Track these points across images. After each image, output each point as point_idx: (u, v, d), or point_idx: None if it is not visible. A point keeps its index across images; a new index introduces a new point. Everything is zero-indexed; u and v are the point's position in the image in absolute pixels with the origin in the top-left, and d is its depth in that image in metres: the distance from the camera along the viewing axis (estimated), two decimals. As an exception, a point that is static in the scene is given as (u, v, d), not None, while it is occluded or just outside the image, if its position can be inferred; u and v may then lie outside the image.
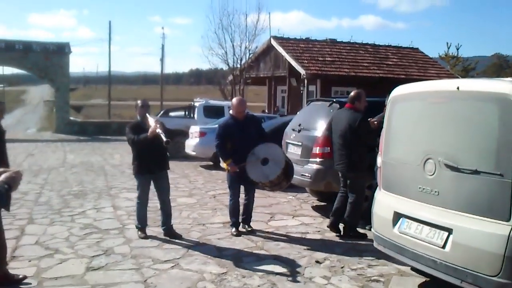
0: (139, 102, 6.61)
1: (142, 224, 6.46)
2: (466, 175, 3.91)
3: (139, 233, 6.40)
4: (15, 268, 5.08)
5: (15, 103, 71.57)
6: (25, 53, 27.44)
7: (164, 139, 5.96)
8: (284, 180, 6.38)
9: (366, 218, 6.06)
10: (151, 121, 6.25)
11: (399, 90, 4.98)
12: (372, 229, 5.05)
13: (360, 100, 6.50)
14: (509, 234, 3.51)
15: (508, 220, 3.56)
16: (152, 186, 6.54)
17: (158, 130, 6.00)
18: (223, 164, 6.59)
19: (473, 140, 3.95)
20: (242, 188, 6.74)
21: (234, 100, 6.75)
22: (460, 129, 4.10)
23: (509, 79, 3.98)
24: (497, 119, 3.75)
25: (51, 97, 36.82)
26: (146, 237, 6.31)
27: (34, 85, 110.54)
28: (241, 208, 6.74)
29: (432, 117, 4.42)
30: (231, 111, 6.75)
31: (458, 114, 4.14)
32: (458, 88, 4.13)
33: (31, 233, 6.45)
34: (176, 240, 6.21)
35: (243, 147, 6.34)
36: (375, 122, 6.30)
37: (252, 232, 6.63)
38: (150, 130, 6.06)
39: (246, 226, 6.74)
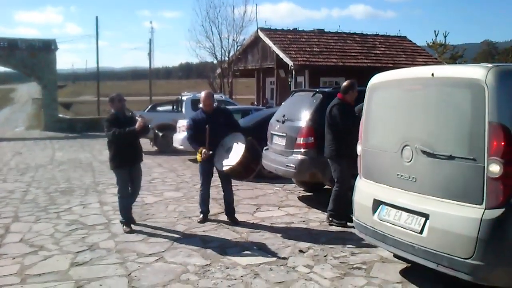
0: (114, 96, 6.69)
1: (126, 218, 6.49)
2: (441, 160, 3.96)
3: (124, 227, 6.42)
4: (-2, 266, 5.08)
5: (3, 102, 71.08)
6: (11, 51, 27.13)
7: (160, 134, 6.42)
8: (250, 165, 6.42)
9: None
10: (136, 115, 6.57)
11: (377, 78, 5.02)
12: (353, 217, 5.09)
13: (353, 90, 6.59)
14: (482, 217, 3.58)
15: (480, 204, 3.62)
16: None
17: (149, 125, 6.45)
18: (197, 157, 6.67)
19: (448, 126, 3.99)
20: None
21: (202, 93, 6.91)
22: (435, 115, 4.14)
23: (483, 64, 4.01)
24: (470, 105, 3.80)
25: (39, 95, 36.55)
26: (132, 231, 6.33)
27: (22, 83, 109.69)
28: (222, 203, 6.98)
29: (409, 104, 4.46)
30: (200, 105, 6.91)
31: (433, 100, 4.18)
32: (432, 74, 4.17)
33: (16, 231, 6.43)
34: (162, 234, 6.23)
35: (212, 139, 6.46)
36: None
37: (237, 224, 6.67)
38: (138, 123, 6.29)
39: (230, 220, 6.80)
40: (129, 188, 6.63)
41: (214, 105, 6.89)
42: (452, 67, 4.51)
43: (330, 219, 6.58)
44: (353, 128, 6.00)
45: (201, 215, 6.84)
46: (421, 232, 4.02)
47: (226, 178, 6.74)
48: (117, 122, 6.38)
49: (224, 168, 6.40)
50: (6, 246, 5.80)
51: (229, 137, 6.57)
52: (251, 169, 6.51)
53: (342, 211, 6.48)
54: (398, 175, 4.40)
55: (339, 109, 6.49)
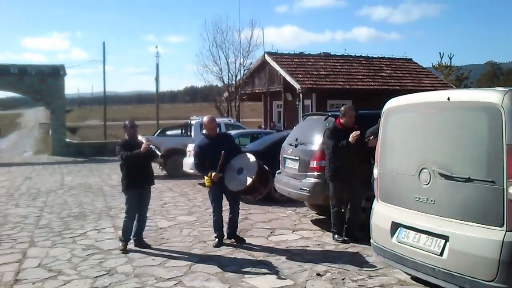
0: (127, 122, 7.01)
1: (126, 237, 6.74)
2: (459, 183, 4.01)
3: (121, 245, 6.69)
4: (19, 291, 5.13)
5: (10, 127, 71.63)
6: (21, 77, 27.54)
7: (158, 152, 6.79)
8: (261, 185, 6.66)
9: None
10: (142, 138, 6.88)
11: (392, 103, 5.10)
12: (371, 240, 5.12)
13: (344, 115, 6.98)
14: (503, 239, 3.61)
15: (501, 226, 3.66)
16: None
17: (152, 146, 6.62)
18: (206, 182, 6.78)
19: (465, 148, 4.06)
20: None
21: (205, 118, 7.10)
22: (452, 139, 4.21)
23: (498, 88, 4.09)
24: (486, 128, 3.87)
25: (46, 120, 36.91)
26: (127, 251, 6.56)
27: (29, 108, 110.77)
28: (227, 222, 7.04)
29: (425, 128, 4.54)
30: (204, 131, 7.11)
31: (450, 124, 4.26)
32: (448, 98, 4.26)
33: (33, 256, 6.49)
34: (179, 258, 6.27)
35: (216, 163, 6.59)
36: (371, 138, 6.71)
37: (243, 242, 6.87)
38: (143, 145, 6.56)
39: (232, 239, 6.95)
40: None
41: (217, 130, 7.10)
42: (467, 91, 4.59)
43: (334, 236, 7.00)
44: (345, 151, 6.73)
45: (217, 240, 6.89)
46: (441, 254, 4.05)
47: (236, 200, 6.91)
48: (128, 147, 6.71)
49: (238, 188, 6.56)
50: (25, 271, 5.85)
51: (236, 159, 6.74)
52: (263, 188, 6.73)
53: (341, 228, 6.94)
54: (416, 197, 4.45)
55: (328, 133, 7.02)
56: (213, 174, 6.58)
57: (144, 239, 6.90)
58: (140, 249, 6.65)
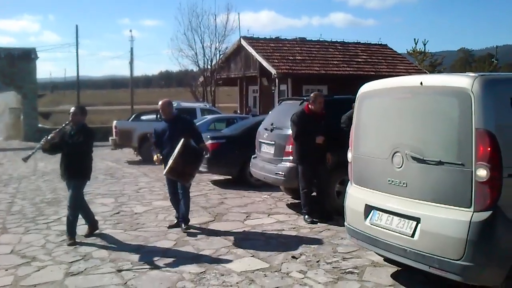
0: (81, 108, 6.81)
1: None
2: (431, 166, 4.11)
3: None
4: (-8, 277, 5.07)
5: (-20, 112, 69.84)
6: (-11, 60, 26.87)
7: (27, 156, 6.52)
8: (186, 166, 6.43)
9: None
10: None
11: (366, 87, 5.16)
12: (345, 223, 5.21)
13: (315, 102, 7.17)
14: (471, 220, 3.74)
15: (469, 207, 3.79)
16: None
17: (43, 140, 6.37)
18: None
19: (437, 132, 4.15)
20: None
21: (160, 102, 7.06)
22: (424, 123, 4.29)
23: (469, 73, 4.18)
24: (457, 112, 3.96)
25: (17, 104, 36.12)
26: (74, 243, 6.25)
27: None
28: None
29: (398, 112, 4.61)
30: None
31: (422, 108, 4.34)
32: (421, 83, 4.33)
33: (5, 243, 6.39)
34: (155, 242, 6.28)
35: (169, 146, 6.69)
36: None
37: (187, 229, 6.80)
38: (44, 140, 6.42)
39: (182, 225, 6.92)
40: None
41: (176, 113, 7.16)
42: (440, 76, 4.68)
43: (304, 217, 7.24)
44: (307, 135, 7.02)
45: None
46: (412, 235, 4.15)
47: (181, 186, 6.84)
48: (63, 133, 6.48)
49: (163, 173, 6.60)
50: (-3, 257, 5.78)
51: (177, 144, 6.60)
52: (187, 173, 6.52)
53: (310, 209, 7.18)
54: (389, 180, 4.54)
55: (295, 118, 7.24)
56: (156, 156, 6.81)
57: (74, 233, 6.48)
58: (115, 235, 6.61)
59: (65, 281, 4.95)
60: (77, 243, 6.23)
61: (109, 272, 5.20)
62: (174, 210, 7.28)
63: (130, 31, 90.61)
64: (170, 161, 6.39)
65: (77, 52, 36.23)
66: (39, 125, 29.40)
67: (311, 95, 7.34)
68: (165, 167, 6.55)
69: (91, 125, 27.82)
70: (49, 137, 6.36)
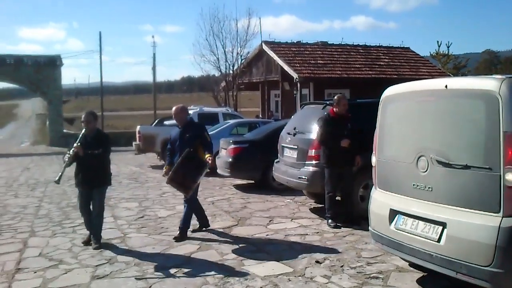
0: (92, 113, 6.66)
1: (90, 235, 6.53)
2: (457, 170, 4.05)
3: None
4: (21, 280, 5.19)
5: (7, 117, 71.44)
6: (17, 67, 27.54)
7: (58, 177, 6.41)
8: (186, 179, 6.32)
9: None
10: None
11: (390, 91, 5.12)
12: (369, 227, 5.17)
13: (338, 104, 7.19)
14: (500, 225, 3.67)
15: (498, 212, 3.71)
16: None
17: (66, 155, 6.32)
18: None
19: (463, 136, 4.09)
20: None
21: (173, 108, 6.98)
22: (450, 126, 4.24)
23: (495, 76, 4.12)
24: (484, 115, 3.90)
25: (43, 110, 36.91)
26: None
27: (25, 99, 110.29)
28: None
29: (423, 116, 4.56)
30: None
31: (448, 111, 4.29)
32: (446, 86, 4.28)
33: (34, 246, 6.52)
34: (178, 246, 6.32)
35: (178, 154, 6.62)
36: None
37: (176, 240, 6.60)
38: (73, 150, 6.25)
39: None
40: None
41: (189, 118, 7.05)
42: (465, 79, 4.63)
43: (328, 221, 7.21)
44: (333, 139, 7.01)
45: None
46: (438, 240, 4.10)
47: (187, 196, 6.76)
48: (84, 140, 6.31)
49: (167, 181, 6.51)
50: (26, 260, 5.89)
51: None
52: (185, 185, 6.40)
53: (335, 213, 7.14)
54: (414, 185, 4.49)
55: (321, 122, 7.25)
56: (165, 170, 6.75)
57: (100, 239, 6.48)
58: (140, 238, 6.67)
59: (91, 284, 5.02)
60: (102, 247, 6.30)
61: (133, 275, 5.25)
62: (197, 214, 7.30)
63: (153, 37, 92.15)
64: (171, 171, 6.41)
65: (100, 59, 36.76)
66: (64, 131, 29.91)
67: (335, 97, 7.34)
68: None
69: (114, 131, 28.20)
70: (71, 153, 6.22)
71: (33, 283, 5.07)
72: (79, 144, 6.22)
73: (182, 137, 6.75)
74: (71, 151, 6.26)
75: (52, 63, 28.31)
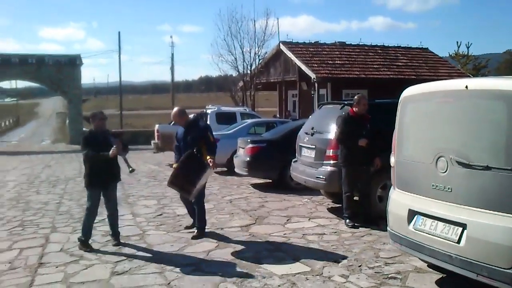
0: (97, 113, 6.52)
1: (84, 234, 6.34)
2: (477, 171, 4.02)
3: (80, 245, 6.26)
4: (43, 274, 5.30)
5: (29, 116, 72.56)
6: (38, 67, 27.97)
7: (130, 168, 6.44)
8: (186, 182, 6.25)
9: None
10: (114, 141, 6.28)
11: (409, 91, 5.11)
12: (387, 227, 5.16)
13: (358, 104, 7.15)
14: (522, 227, 3.63)
15: (520, 213, 3.68)
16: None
17: (121, 155, 6.31)
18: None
19: (483, 137, 4.07)
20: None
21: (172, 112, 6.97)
22: (470, 127, 4.22)
23: (517, 76, 4.09)
24: (505, 116, 3.87)
25: (63, 109, 37.44)
26: (90, 250, 6.15)
27: (45, 98, 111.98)
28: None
29: (442, 116, 4.54)
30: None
31: (468, 112, 4.26)
32: (466, 87, 4.26)
33: (55, 241, 6.65)
34: (197, 244, 6.37)
35: (183, 153, 6.58)
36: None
37: (195, 238, 6.61)
38: (112, 151, 6.12)
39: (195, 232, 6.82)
40: (104, 207, 6.57)
41: (192, 117, 7.07)
42: (486, 80, 4.60)
43: (345, 221, 7.20)
44: (351, 138, 6.99)
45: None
46: (458, 241, 4.07)
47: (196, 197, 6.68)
48: (94, 140, 6.25)
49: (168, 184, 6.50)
50: (48, 255, 6.01)
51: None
52: (185, 188, 6.33)
53: (353, 213, 7.14)
54: (433, 185, 4.47)
55: (340, 121, 7.21)
56: (174, 166, 6.76)
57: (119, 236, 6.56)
58: (159, 235, 6.76)
59: (111, 280, 5.10)
60: (121, 244, 6.39)
61: (152, 272, 5.32)
62: (214, 212, 7.35)
63: (171, 37, 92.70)
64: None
65: (119, 58, 37.18)
66: (84, 129, 30.24)
67: (355, 97, 7.32)
68: None
69: (133, 129, 28.48)
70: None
71: (55, 278, 5.17)
72: (117, 139, 6.36)
73: (185, 138, 6.74)
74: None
75: (72, 63, 28.69)
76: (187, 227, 7.14)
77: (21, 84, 62.86)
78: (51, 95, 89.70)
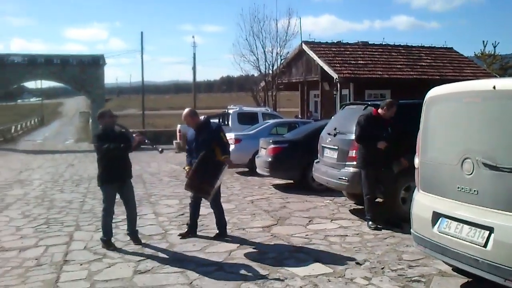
0: (105, 111, 6.58)
1: (105, 234, 6.38)
2: (505, 173, 3.94)
3: (103, 245, 6.30)
4: (68, 271, 5.38)
5: (53, 115, 73.82)
6: (63, 67, 28.46)
7: (159, 149, 6.69)
8: (202, 185, 6.30)
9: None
10: (128, 133, 6.51)
11: (434, 92, 5.03)
12: (411, 230, 5.09)
13: (388, 109, 7.03)
14: (551, 231, 3.54)
15: (549, 217, 3.58)
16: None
17: (147, 141, 6.47)
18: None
19: (511, 138, 3.98)
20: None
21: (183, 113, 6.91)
22: (497, 128, 4.13)
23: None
24: (535, 117, 3.77)
25: (86, 109, 37.97)
26: (113, 249, 6.19)
27: (69, 97, 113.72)
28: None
29: (469, 117, 4.46)
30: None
31: (495, 113, 4.17)
32: (494, 87, 4.17)
33: (79, 239, 6.74)
34: (218, 244, 6.38)
35: (197, 154, 6.51)
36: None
37: (218, 237, 6.66)
38: (137, 140, 6.33)
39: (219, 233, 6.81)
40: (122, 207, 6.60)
41: (202, 118, 6.95)
42: (515, 80, 4.49)
43: (368, 223, 7.13)
44: (371, 139, 6.93)
45: (187, 229, 6.92)
46: (485, 245, 3.99)
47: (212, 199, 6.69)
48: (106, 138, 6.25)
49: (185, 186, 6.51)
50: (72, 253, 6.10)
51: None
52: (203, 189, 6.35)
53: (375, 215, 7.06)
54: (458, 187, 4.40)
55: (361, 120, 7.14)
56: (187, 170, 6.73)
57: (138, 234, 6.60)
58: (184, 237, 6.77)
59: (134, 279, 5.14)
60: (142, 244, 6.44)
61: (174, 271, 5.34)
62: (236, 213, 7.32)
63: (193, 37, 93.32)
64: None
65: (142, 58, 37.58)
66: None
67: (387, 101, 7.20)
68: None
69: (155, 129, 28.79)
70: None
71: (79, 275, 5.25)
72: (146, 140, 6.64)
73: (196, 139, 6.67)
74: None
75: (95, 63, 29.10)
76: (183, 235, 6.79)
77: (45, 84, 63.99)
78: (75, 95, 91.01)
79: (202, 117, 7.02)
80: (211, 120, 7.23)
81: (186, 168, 6.80)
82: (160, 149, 6.60)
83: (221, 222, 6.85)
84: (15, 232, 7.26)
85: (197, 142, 6.64)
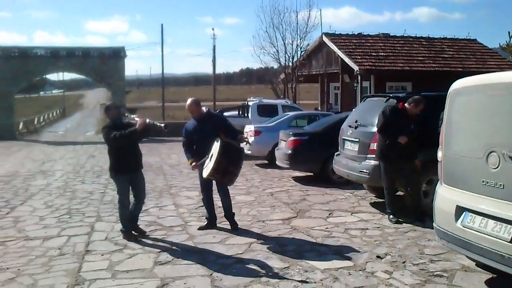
0: (110, 104, 6.73)
1: (126, 227, 6.42)
2: (532, 167, 3.84)
3: (123, 235, 6.34)
4: (90, 261, 5.45)
5: (74, 107, 74.70)
6: (84, 59, 28.74)
7: (162, 124, 6.46)
8: (228, 168, 6.25)
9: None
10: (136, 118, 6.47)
11: (458, 84, 4.94)
12: (434, 224, 5.02)
13: (416, 106, 6.89)
14: None
15: None
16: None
17: (148, 120, 6.24)
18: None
19: (540, 132, 3.88)
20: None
21: (187, 102, 6.80)
22: (525, 121, 4.03)
23: None
24: None
25: (106, 101, 38.30)
26: (134, 240, 6.25)
27: (90, 89, 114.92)
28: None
29: (494, 110, 4.37)
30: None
31: (522, 106, 4.07)
32: (521, 79, 4.07)
33: (100, 230, 6.81)
34: (238, 236, 6.39)
35: (202, 146, 6.47)
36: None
37: (235, 228, 6.69)
38: (139, 122, 6.19)
39: (230, 224, 6.81)
40: (133, 197, 6.54)
41: (205, 110, 6.87)
42: (542, 72, 4.38)
43: (389, 217, 7.06)
44: (393, 131, 6.81)
45: (206, 221, 6.92)
46: (511, 241, 3.91)
47: (220, 185, 6.74)
48: (115, 128, 6.27)
49: (204, 176, 6.37)
50: (94, 243, 6.16)
51: (214, 144, 6.35)
52: (230, 172, 6.33)
53: (395, 209, 7.01)
54: (483, 181, 4.31)
55: (386, 110, 7.00)
56: (193, 164, 6.64)
57: (138, 225, 6.65)
58: (203, 229, 6.79)
59: (154, 269, 5.17)
60: (143, 235, 6.47)
61: (194, 262, 5.36)
62: (255, 205, 7.32)
63: (213, 29, 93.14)
64: (211, 163, 6.21)
65: (162, 51, 37.63)
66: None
67: (416, 97, 7.00)
68: (201, 170, 6.50)
69: (175, 121, 28.91)
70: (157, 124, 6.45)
71: (101, 265, 5.30)
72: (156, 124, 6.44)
73: (201, 129, 6.59)
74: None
75: (116, 55, 29.30)
76: (201, 228, 6.81)
77: (67, 76, 64.85)
78: (95, 87, 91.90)
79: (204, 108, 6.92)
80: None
81: (192, 161, 6.67)
82: (163, 125, 6.47)
83: (229, 213, 6.86)
84: (38, 221, 7.38)
85: (202, 132, 6.59)
